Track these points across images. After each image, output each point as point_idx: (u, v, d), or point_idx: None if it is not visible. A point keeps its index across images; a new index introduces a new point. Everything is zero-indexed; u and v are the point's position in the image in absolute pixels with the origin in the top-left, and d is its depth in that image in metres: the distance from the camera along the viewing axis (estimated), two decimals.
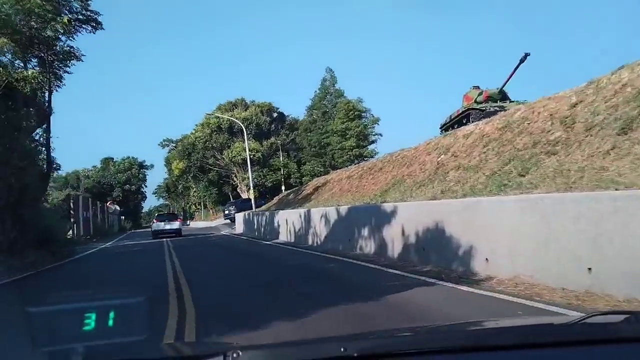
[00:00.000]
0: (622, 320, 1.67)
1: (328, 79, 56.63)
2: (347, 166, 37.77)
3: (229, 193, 66.87)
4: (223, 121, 60.09)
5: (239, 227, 33.94)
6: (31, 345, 1.32)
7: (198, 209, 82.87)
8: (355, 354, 1.44)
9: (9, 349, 3.76)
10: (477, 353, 1.54)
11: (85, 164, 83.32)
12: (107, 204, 48.06)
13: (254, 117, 61.21)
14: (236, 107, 62.77)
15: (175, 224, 32.54)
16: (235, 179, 62.36)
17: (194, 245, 24.00)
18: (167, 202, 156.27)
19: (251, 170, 46.44)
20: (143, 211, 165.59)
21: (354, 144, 51.34)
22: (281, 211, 23.99)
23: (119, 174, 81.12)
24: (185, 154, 65.56)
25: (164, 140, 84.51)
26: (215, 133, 60.64)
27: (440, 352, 1.53)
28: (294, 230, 20.00)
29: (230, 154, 58.68)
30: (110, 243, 31.74)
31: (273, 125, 64.70)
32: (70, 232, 31.89)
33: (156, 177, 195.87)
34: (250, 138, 59.61)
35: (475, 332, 1.91)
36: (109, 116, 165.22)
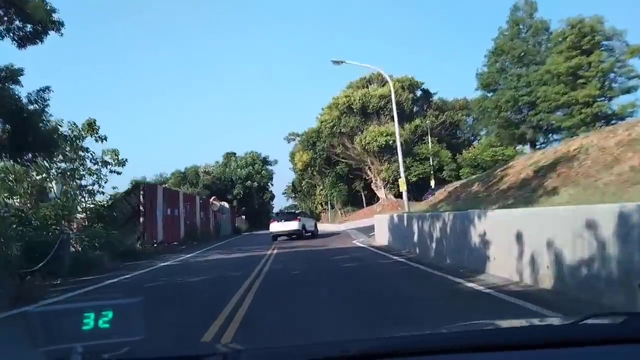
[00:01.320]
0: (621, 322, 1.68)
1: (523, 8, 38.25)
2: (574, 134, 22.82)
3: (361, 191, 54.84)
4: (354, 100, 48.16)
5: (382, 236, 21.48)
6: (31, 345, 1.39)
7: (324, 209, 72.26)
8: (354, 354, 1.45)
9: None
10: (476, 353, 1.53)
11: (210, 160, 78.66)
12: (211, 200, 38.37)
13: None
14: (371, 83, 50.50)
15: (294, 224, 27.71)
16: (369, 172, 50.05)
17: (314, 274, 11.65)
18: (295, 203, 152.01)
19: (398, 154, 33.29)
20: (273, 212, 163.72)
21: (594, 92, 30.05)
22: (492, 213, 10.32)
23: (239, 170, 73.70)
24: (309, 143, 55.03)
25: (289, 135, 75.68)
26: (344, 115, 49.01)
27: (438, 352, 1.53)
28: (571, 260, 6.53)
29: (363, 141, 46.52)
30: (192, 254, 21.34)
31: (416, 106, 51.25)
32: (140, 237, 21.88)
33: (285, 176, 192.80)
34: (389, 120, 46.88)
35: (474, 333, 1.88)
36: (233, 112, 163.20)
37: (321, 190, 72.33)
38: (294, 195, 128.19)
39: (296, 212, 33.38)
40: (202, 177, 71.35)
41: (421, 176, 45.88)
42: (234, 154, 79.17)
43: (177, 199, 30.18)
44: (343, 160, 52.57)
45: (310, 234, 29.27)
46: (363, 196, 54.74)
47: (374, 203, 54.21)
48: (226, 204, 42.36)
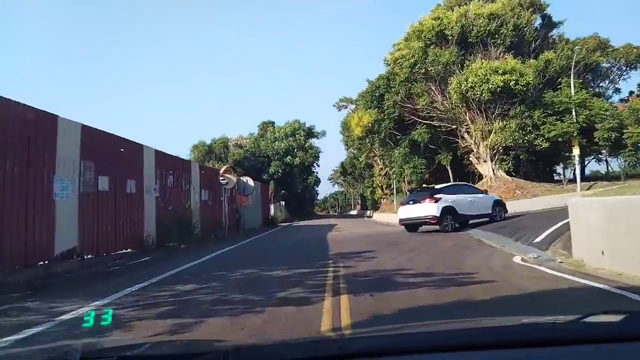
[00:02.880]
0: (621, 320, 1.70)
1: None
2: None
3: (447, 165, 38.15)
4: (449, 23, 31.39)
5: (594, 247, 5.51)
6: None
7: (386, 194, 55.82)
8: (353, 352, 1.42)
9: None
10: (476, 351, 1.52)
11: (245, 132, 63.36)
12: (222, 170, 22.81)
13: (506, 14, 31.20)
14: None
15: (428, 207, 17.16)
16: (466, 136, 33.31)
17: None
18: (342, 189, 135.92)
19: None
20: (318, 198, 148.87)
21: None
22: None
23: (277, 142, 58.18)
24: (373, 97, 38.73)
25: (340, 101, 59.47)
26: (433, 47, 32.25)
27: (438, 350, 1.52)
28: None
29: (462, 85, 29.78)
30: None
31: (541, 32, 33.90)
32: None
33: (330, 161, 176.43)
34: (502, 53, 30.11)
35: (475, 331, 1.89)
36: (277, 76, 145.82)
37: (382, 169, 55.92)
38: (343, 179, 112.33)
39: (435, 187, 19.60)
40: (232, 150, 56.31)
41: (559, 139, 28.81)
42: (272, 123, 63.67)
43: (135, 157, 14.71)
44: (424, 121, 35.95)
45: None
46: (450, 174, 38.03)
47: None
48: (250, 181, 26.72)
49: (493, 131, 30.77)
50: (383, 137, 41.81)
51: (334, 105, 60.40)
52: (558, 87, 30.50)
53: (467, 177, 40.74)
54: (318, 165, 74.36)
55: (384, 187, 55.53)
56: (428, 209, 17.21)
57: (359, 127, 41.78)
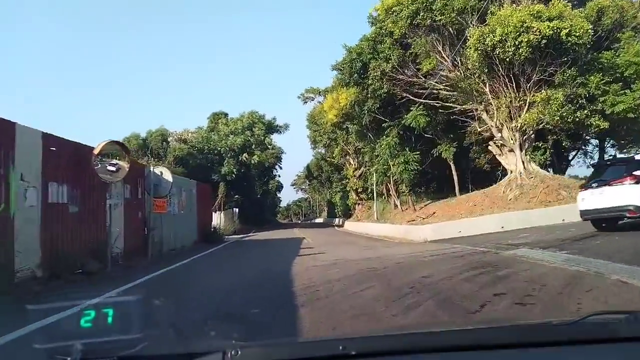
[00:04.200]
0: (621, 320, 1.71)
1: None
2: None
3: (449, 160, 28.94)
4: None
5: None
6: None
7: (362, 200, 46.47)
8: (354, 352, 1.44)
9: None
10: (476, 352, 1.53)
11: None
12: (98, 150, 12.21)
13: None
14: None
15: (627, 191, 11.36)
16: (485, 116, 24.19)
17: None
18: (306, 196, 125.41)
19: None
20: (280, 205, 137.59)
21: None
22: None
23: (232, 137, 47.82)
24: (352, 71, 29.17)
25: (306, 91, 49.99)
26: None
27: (438, 350, 1.52)
28: None
29: (485, 40, 20.55)
30: None
31: None
32: None
33: (295, 165, 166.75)
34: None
35: (474, 331, 1.90)
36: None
37: (356, 169, 46.53)
38: (308, 184, 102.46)
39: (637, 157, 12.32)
40: (173, 145, 45.66)
41: (627, 115, 19.97)
42: (225, 114, 53.29)
43: None
44: (422, 100, 26.69)
45: None
46: (454, 170, 28.87)
47: (477, 185, 28.47)
48: (167, 175, 16.47)
49: (527, 107, 21.70)
50: (364, 125, 32.27)
51: (299, 97, 50.73)
52: (612, 47, 21.75)
53: (480, 175, 31.78)
54: (280, 168, 64.40)
55: (359, 190, 46.13)
56: (627, 194, 11.18)
57: (334, 110, 32.13)
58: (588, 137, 26.58)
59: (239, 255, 17.49)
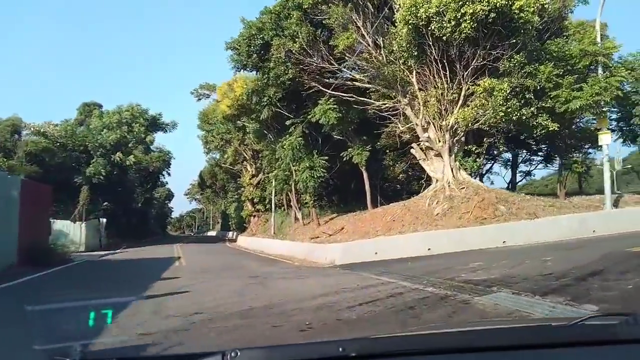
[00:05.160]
0: (620, 322, 1.68)
1: None
2: None
3: (361, 166, 24.28)
4: None
5: None
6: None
7: (257, 210, 40.79)
8: (353, 354, 1.45)
9: None
10: (475, 354, 1.52)
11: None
12: None
13: None
14: None
15: None
16: (410, 113, 19.84)
17: None
18: (201, 206, 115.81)
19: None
20: (172, 216, 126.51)
21: None
22: None
23: (105, 132, 39.65)
24: (251, 50, 23.58)
25: (200, 87, 43.68)
26: None
27: (437, 352, 1.52)
28: None
29: (419, 10, 16.15)
30: None
31: None
32: None
33: (191, 170, 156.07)
34: None
35: (473, 333, 1.88)
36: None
37: (253, 175, 40.84)
38: (201, 193, 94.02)
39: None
40: (27, 138, 36.66)
41: (581, 115, 16.52)
42: (99, 106, 44.87)
43: None
44: (334, 93, 21.90)
45: None
46: (366, 180, 24.29)
47: (390, 198, 24.05)
48: None
49: (462, 100, 17.62)
50: (264, 121, 26.77)
51: (192, 93, 44.16)
52: (560, 36, 18.44)
53: (394, 185, 27.52)
54: (169, 174, 56.74)
55: (256, 200, 40.39)
56: None
57: (228, 100, 26.25)
58: (530, 142, 23.37)
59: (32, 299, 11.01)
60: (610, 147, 16.36)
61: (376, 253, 16.15)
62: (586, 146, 20.68)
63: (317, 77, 22.29)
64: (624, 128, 18.28)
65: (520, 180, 29.36)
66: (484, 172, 28.57)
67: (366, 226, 19.90)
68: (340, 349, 1.45)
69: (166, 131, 47.51)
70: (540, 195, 22.03)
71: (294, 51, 21.21)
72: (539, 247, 13.93)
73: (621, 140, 18.70)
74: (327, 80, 22.28)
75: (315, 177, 24.12)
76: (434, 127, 19.24)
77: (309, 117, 23.51)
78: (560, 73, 16.30)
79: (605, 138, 15.90)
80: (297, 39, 20.98)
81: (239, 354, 1.41)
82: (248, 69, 24.56)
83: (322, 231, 23.02)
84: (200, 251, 28.73)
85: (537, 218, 16.33)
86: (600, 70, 15.95)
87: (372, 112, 21.85)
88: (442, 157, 19.21)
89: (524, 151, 28.20)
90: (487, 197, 17.59)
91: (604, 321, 1.87)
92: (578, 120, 18.55)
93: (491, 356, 1.52)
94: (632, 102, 16.88)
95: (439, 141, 19.21)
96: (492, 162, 29.10)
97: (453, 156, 19.15)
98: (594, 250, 10.74)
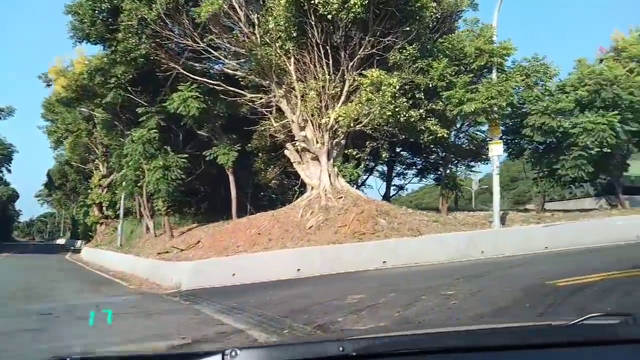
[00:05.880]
0: (619, 322, 1.71)
1: None
2: None
3: (227, 169, 20.66)
4: None
5: None
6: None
7: (105, 217, 35.01)
8: (353, 354, 1.44)
9: None
10: (475, 353, 1.53)
11: None
12: None
13: None
14: None
15: None
16: (286, 107, 16.80)
17: None
18: (54, 210, 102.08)
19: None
20: (20, 220, 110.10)
21: None
22: None
23: None
24: (95, 17, 18.90)
25: (50, 72, 36.36)
26: None
27: (437, 352, 1.52)
28: None
29: None
30: None
31: None
32: None
33: (41, 169, 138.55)
34: None
35: (473, 333, 1.89)
36: None
37: (104, 176, 35.01)
38: (48, 195, 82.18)
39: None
40: None
41: (480, 117, 14.71)
42: None
43: None
44: (196, 77, 18.22)
45: None
46: (232, 185, 20.73)
47: (261, 207, 20.77)
48: None
49: (345, 95, 15.04)
50: (113, 106, 21.95)
51: (39, 77, 36.81)
52: (453, 32, 16.71)
53: (274, 195, 24.18)
54: (9, 171, 47.87)
55: (106, 205, 34.55)
56: None
57: (63, 79, 21.03)
58: (405, 152, 21.60)
59: None
60: (494, 160, 14.76)
61: (234, 275, 12.87)
62: (468, 159, 19.41)
63: (178, 57, 18.42)
64: (511, 141, 17.06)
65: (393, 194, 27.96)
66: (359, 184, 26.78)
67: (226, 240, 16.34)
68: (340, 348, 1.44)
69: (0, 118, 39.33)
70: (419, 209, 20.31)
71: (149, 19, 17.09)
72: (428, 271, 11.61)
73: (506, 154, 17.49)
74: (191, 63, 18.51)
75: (170, 179, 19.96)
76: (312, 125, 16.43)
77: (166, 106, 19.36)
78: (454, 72, 14.43)
79: (497, 148, 14.28)
80: (153, 5, 16.91)
81: (238, 352, 1.39)
82: (92, 40, 19.73)
83: (173, 245, 18.92)
84: (17, 265, 22.83)
85: (421, 235, 14.17)
86: (494, 73, 14.36)
87: (245, 106, 18.51)
88: (319, 161, 16.43)
89: (399, 165, 26.90)
90: (366, 209, 15.09)
91: (603, 321, 1.87)
92: (467, 128, 16.98)
93: (491, 356, 1.50)
94: (523, 112, 15.61)
95: (317, 142, 16.43)
96: (368, 174, 27.39)
97: (332, 160, 16.48)
98: (503, 282, 8.45)
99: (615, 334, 1.62)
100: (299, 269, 12.96)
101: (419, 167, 26.47)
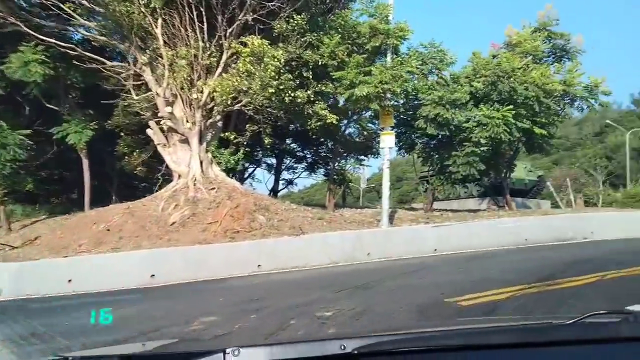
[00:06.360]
0: (620, 320, 1.70)
1: None
2: None
3: (79, 150, 17.22)
4: None
5: None
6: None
7: None
8: (354, 352, 1.43)
9: None
10: (476, 352, 1.52)
11: None
12: None
13: None
14: None
15: None
16: (150, 78, 13.92)
17: None
18: None
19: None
20: None
21: None
22: None
23: None
24: None
25: None
26: None
27: (438, 350, 1.51)
28: None
29: None
30: None
31: None
32: None
33: None
34: None
35: (474, 331, 1.88)
36: None
37: None
38: None
39: None
40: None
41: (371, 103, 13.02)
42: None
43: None
44: (44, 38, 14.68)
45: None
46: (86, 171, 17.29)
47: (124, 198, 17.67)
48: None
49: (220, 67, 12.71)
50: None
51: None
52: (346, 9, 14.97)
53: (146, 183, 20.87)
54: None
55: None
56: None
57: None
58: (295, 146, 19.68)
59: None
60: (388, 153, 13.38)
61: (70, 281, 10.28)
62: (359, 152, 18.01)
63: (22, 12, 14.77)
64: (403, 134, 15.85)
65: (282, 189, 26.12)
66: (245, 177, 24.53)
67: (67, 237, 13.18)
68: (342, 347, 1.44)
69: None
70: (308, 205, 18.54)
71: None
72: (308, 278, 9.78)
73: (397, 149, 16.31)
74: (38, 21, 14.92)
75: (4, 159, 16.08)
76: (183, 101, 13.86)
77: (5, 70, 15.46)
78: (347, 51, 12.75)
79: (388, 139, 12.86)
80: None
81: (240, 351, 1.40)
82: None
83: (3, 242, 15.18)
84: None
85: (304, 234, 12.34)
86: (389, 56, 12.90)
87: (111, 79, 15.31)
88: (189, 144, 13.90)
89: (289, 157, 25.18)
90: (243, 202, 12.90)
91: (604, 319, 1.82)
92: (357, 115, 15.43)
93: (492, 354, 1.49)
94: (416, 104, 14.40)
95: (188, 122, 13.89)
96: (255, 166, 25.27)
97: (205, 144, 14.04)
98: (394, 297, 6.78)
99: (616, 332, 1.60)
100: (153, 275, 10.58)
101: (309, 160, 24.90)
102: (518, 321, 2.26)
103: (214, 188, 13.47)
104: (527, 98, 13.73)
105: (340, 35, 12.56)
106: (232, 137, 13.97)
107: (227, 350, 1.40)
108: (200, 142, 13.99)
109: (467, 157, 14.18)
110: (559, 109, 15.79)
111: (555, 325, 1.80)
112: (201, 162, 13.87)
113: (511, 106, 13.73)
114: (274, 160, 25.32)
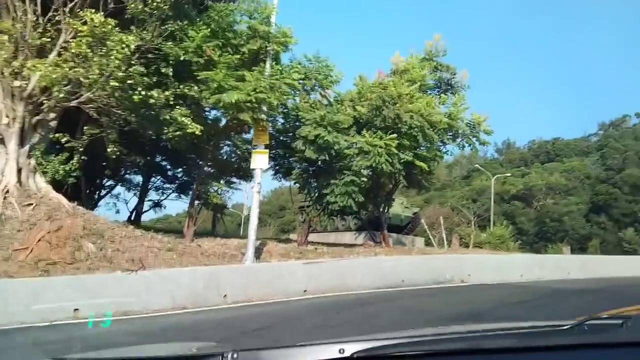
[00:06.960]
0: (619, 325, 1.69)
1: None
2: None
3: None
4: None
5: None
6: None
7: None
8: (354, 356, 1.42)
9: None
10: (475, 356, 1.51)
11: None
12: None
13: None
14: None
15: None
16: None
17: None
18: None
19: None
20: None
21: None
22: None
23: None
24: None
25: None
26: None
27: (438, 354, 1.50)
28: None
29: None
30: None
31: None
32: None
33: None
34: None
35: (473, 336, 1.81)
36: None
37: None
38: None
39: None
40: None
41: (244, 114, 10.94)
42: None
43: None
44: None
45: None
46: None
47: None
48: None
49: (56, 50, 9.97)
50: None
51: None
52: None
53: None
54: None
55: None
56: None
57: None
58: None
59: None
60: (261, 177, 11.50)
61: None
62: (232, 174, 15.91)
63: None
64: (280, 157, 14.09)
65: (146, 210, 22.87)
66: (102, 194, 21.09)
67: None
68: (340, 351, 1.42)
69: None
70: (167, 231, 15.76)
71: None
72: (137, 333, 7.27)
73: (272, 172, 14.50)
74: None
75: None
76: (3, 89, 10.72)
77: None
78: (218, 49, 10.74)
79: (261, 159, 10.98)
80: None
81: (238, 355, 1.39)
82: None
83: None
84: None
85: (144, 268, 9.82)
86: (268, 62, 11.16)
87: None
88: (4, 144, 10.74)
89: (159, 177, 22.25)
90: (68, 225, 10.03)
91: (602, 324, 1.82)
92: (234, 134, 13.39)
93: (493, 358, 1.48)
94: (296, 125, 12.76)
95: (7, 116, 10.75)
96: (116, 183, 21.93)
97: (27, 148, 10.96)
98: None
99: (616, 337, 1.60)
100: None
101: (181, 181, 22.08)
102: (519, 325, 2.14)
103: (32, 204, 10.41)
104: (411, 127, 12.80)
105: (210, 30, 10.54)
106: (63, 139, 11.03)
107: (225, 354, 1.38)
108: (22, 144, 10.90)
109: (346, 187, 12.77)
110: (442, 144, 15.25)
111: (556, 330, 1.76)
112: (19, 170, 10.76)
113: (395, 135, 12.70)
114: (140, 178, 22.12)
